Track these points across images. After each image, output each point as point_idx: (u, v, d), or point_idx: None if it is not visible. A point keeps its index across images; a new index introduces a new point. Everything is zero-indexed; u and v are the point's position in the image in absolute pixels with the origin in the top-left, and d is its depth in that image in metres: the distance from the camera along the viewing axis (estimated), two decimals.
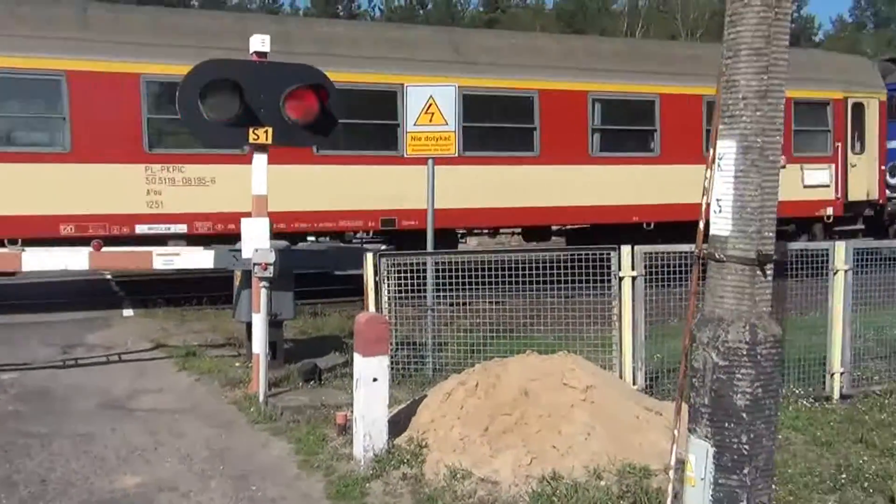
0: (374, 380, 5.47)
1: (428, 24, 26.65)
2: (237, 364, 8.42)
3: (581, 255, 6.84)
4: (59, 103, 10.99)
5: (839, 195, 16.18)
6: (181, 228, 11.34)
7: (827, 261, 6.78)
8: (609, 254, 6.63)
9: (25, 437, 6.19)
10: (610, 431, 5.39)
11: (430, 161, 8.02)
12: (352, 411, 5.71)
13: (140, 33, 11.49)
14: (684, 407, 4.09)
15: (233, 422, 6.63)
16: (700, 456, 3.82)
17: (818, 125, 16.14)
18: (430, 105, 7.73)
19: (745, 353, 3.67)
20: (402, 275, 7.18)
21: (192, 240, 11.10)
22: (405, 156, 8.11)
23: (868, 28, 70.48)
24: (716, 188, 3.78)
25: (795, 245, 6.74)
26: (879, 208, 16.95)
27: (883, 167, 16.88)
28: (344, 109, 7.89)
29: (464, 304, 7.52)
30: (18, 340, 9.81)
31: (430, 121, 7.78)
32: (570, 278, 6.86)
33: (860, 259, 6.95)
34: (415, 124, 7.80)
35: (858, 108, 16.39)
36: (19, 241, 9.93)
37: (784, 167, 12.85)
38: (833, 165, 16.14)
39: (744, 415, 3.70)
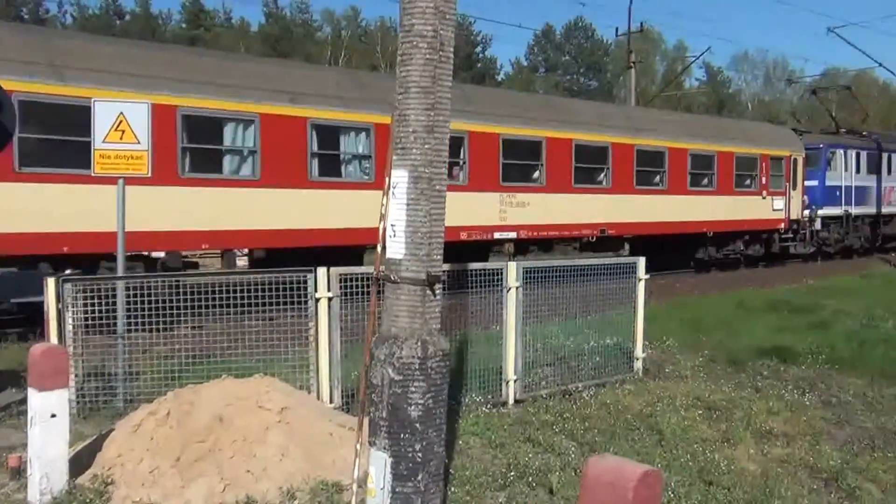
0: (53, 416, 5.06)
1: (126, 38, 24.96)
2: None
3: (280, 277, 6.87)
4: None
5: (787, 216, 24.45)
6: None
7: (501, 279, 7.51)
8: (306, 276, 6.74)
9: None
10: (304, 451, 5.48)
11: (120, 181, 7.57)
12: (27, 452, 5.20)
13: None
14: (366, 421, 4.31)
15: None
16: (379, 467, 4.05)
17: (779, 171, 24.30)
18: (121, 122, 7.31)
19: (417, 367, 3.96)
20: (91, 301, 6.69)
21: None
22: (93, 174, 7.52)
23: (540, 72, 79.25)
24: (390, 214, 4.06)
25: (475, 265, 7.36)
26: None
27: (804, 198, 25.38)
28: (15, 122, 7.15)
29: (161, 329, 7.18)
30: None
31: (121, 138, 7.36)
32: (270, 301, 6.86)
33: (529, 277, 7.78)
34: (104, 141, 7.32)
35: (794, 161, 24.83)
36: None
37: (764, 198, 21.09)
38: (785, 197, 24.37)
39: (417, 425, 3.99)
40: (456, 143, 15.22)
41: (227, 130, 13.10)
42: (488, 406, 7.32)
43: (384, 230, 4.11)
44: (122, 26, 61.26)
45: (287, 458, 5.32)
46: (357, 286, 6.84)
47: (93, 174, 7.50)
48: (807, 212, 25.54)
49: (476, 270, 7.42)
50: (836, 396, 8.78)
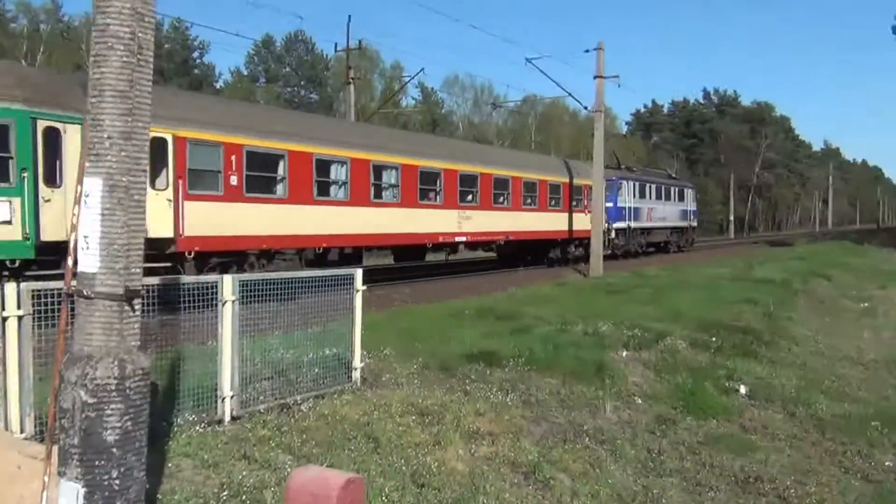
0: None
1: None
2: None
3: None
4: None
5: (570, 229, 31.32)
6: None
7: (216, 293, 7.26)
8: None
9: None
10: None
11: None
12: None
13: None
14: (56, 450, 3.95)
15: None
16: (70, 498, 3.75)
17: (579, 196, 32.09)
18: None
19: (114, 388, 3.72)
20: None
21: None
22: None
23: (261, 82, 78.56)
24: (83, 225, 3.77)
25: (188, 279, 7.05)
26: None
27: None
28: None
29: None
30: None
31: None
32: None
33: (248, 291, 7.62)
34: None
35: (590, 188, 29.86)
36: None
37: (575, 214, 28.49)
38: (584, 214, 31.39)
39: (114, 450, 3.74)
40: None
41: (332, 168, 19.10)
42: (203, 425, 7.03)
43: (75, 242, 3.80)
44: None
45: None
46: (55, 302, 6.24)
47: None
48: (605, 225, 31.25)
49: (190, 284, 7.12)
50: (534, 396, 9.63)
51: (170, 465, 6.05)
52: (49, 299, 6.25)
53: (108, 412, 3.69)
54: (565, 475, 7.99)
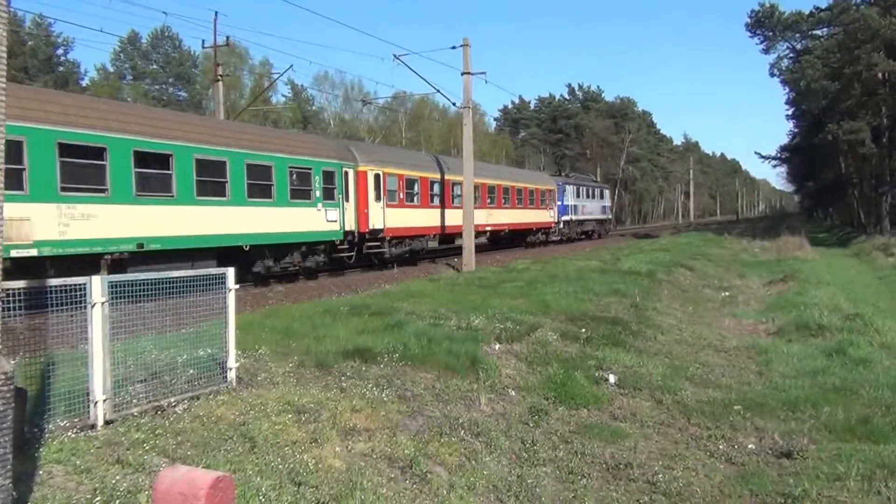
0: None
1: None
2: None
3: None
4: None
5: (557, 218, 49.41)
6: None
7: (85, 294, 7.10)
8: None
9: None
10: None
11: None
12: None
13: None
14: None
15: None
16: None
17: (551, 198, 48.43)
18: None
19: None
20: None
21: None
22: None
23: (127, 79, 75.67)
24: None
25: (55, 281, 6.86)
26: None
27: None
28: None
29: None
30: None
31: None
32: None
33: (118, 292, 7.47)
34: None
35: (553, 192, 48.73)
36: None
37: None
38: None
39: None
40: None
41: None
42: (75, 430, 6.91)
43: None
44: None
45: None
46: None
47: None
48: (556, 218, 48.81)
49: (57, 287, 6.93)
50: (410, 391, 9.85)
51: (41, 472, 5.94)
52: None
53: None
54: (442, 468, 8.25)
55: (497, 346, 12.85)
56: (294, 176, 22.76)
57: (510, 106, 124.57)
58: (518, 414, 10.46)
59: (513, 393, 11.15)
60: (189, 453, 6.79)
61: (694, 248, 42.56)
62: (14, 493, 4.54)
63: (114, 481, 5.94)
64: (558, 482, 8.82)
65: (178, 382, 8.25)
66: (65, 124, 15.88)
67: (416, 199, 30.40)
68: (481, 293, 18.31)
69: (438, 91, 50.26)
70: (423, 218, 30.99)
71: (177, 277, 8.39)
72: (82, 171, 16.18)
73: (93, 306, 7.16)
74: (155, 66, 77.42)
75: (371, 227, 26.81)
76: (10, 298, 6.07)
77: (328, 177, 24.45)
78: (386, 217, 27.79)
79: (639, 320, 17.18)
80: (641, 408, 11.36)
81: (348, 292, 18.40)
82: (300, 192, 23.08)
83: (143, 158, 17.55)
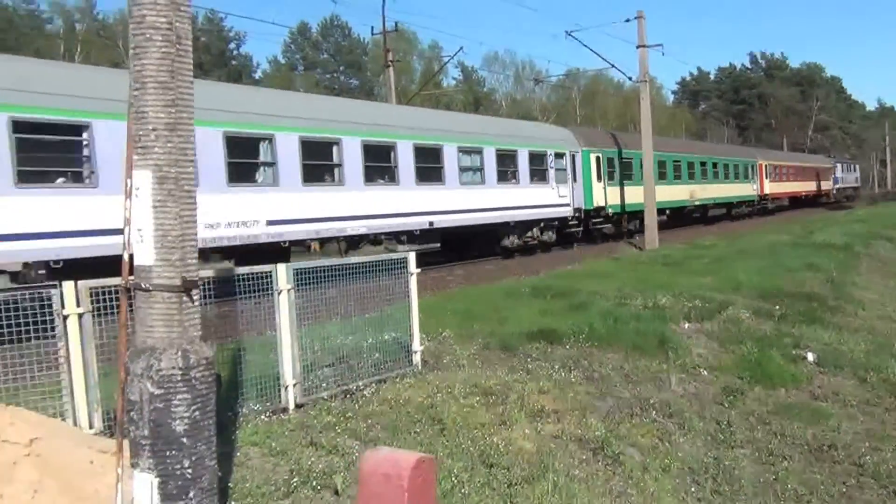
0: None
1: None
2: None
3: (21, 295, 6.17)
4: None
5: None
6: None
7: (272, 282, 7.29)
8: (49, 292, 6.11)
9: None
10: (62, 483, 4.97)
11: None
12: None
13: None
14: (126, 443, 3.99)
15: None
16: (144, 490, 3.78)
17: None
18: None
19: (179, 378, 3.73)
20: None
21: None
22: None
23: (299, 69, 78.74)
24: (135, 218, 3.78)
25: (242, 269, 7.08)
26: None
27: None
28: None
29: None
30: None
31: None
32: (14, 322, 6.13)
33: (302, 279, 7.63)
34: None
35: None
36: None
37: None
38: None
39: (184, 440, 3.76)
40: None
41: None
42: (268, 414, 7.09)
43: (129, 236, 3.82)
44: None
45: (41, 494, 4.79)
46: (111, 298, 6.34)
47: None
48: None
49: (245, 275, 7.15)
50: (597, 371, 9.52)
51: (238, 453, 6.10)
52: (107, 296, 6.35)
53: (176, 402, 3.71)
54: (634, 450, 7.88)
55: (686, 325, 12.30)
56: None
57: (688, 78, 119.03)
58: (711, 394, 9.90)
59: (705, 373, 10.58)
60: (380, 436, 6.78)
61: (893, 218, 38.78)
62: (219, 473, 4.62)
63: (309, 463, 6.00)
64: (757, 464, 8.32)
65: (364, 366, 8.33)
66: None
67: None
68: (666, 271, 17.62)
69: (613, 66, 48.57)
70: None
71: (358, 263, 8.49)
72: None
73: (279, 293, 7.33)
74: (325, 56, 79.81)
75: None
76: (206, 287, 6.27)
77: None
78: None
79: (836, 295, 16.00)
80: (844, 387, 10.61)
81: (527, 274, 18.17)
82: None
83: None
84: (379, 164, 18.40)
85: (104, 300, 6.22)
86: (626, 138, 32.62)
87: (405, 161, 18.90)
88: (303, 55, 79.86)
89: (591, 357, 9.97)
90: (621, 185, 29.83)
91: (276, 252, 15.26)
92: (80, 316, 6.08)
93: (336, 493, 5.71)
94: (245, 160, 15.32)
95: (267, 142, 15.48)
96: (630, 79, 30.84)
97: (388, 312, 8.85)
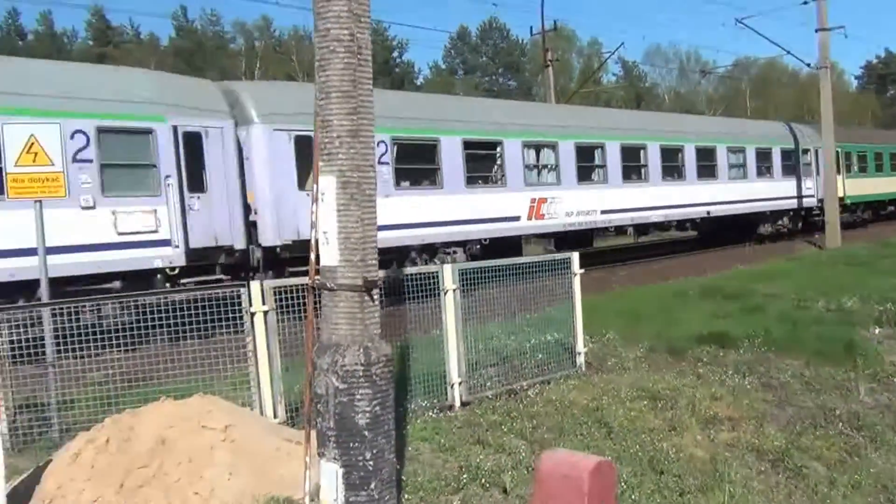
0: None
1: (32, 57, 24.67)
2: None
3: (214, 293, 6.71)
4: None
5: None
6: None
7: (438, 282, 7.47)
8: (239, 290, 6.60)
9: None
10: (253, 468, 5.35)
11: (37, 204, 7.31)
12: None
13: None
14: (313, 433, 4.22)
15: None
16: (330, 478, 3.98)
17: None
18: (32, 144, 7.06)
19: (361, 374, 3.90)
20: (15, 330, 6.41)
21: None
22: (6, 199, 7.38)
23: (459, 74, 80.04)
24: (321, 221, 3.99)
25: (410, 270, 7.32)
26: None
27: None
28: None
29: (94, 355, 6.92)
30: None
31: (34, 161, 7.11)
32: (206, 318, 6.68)
33: (466, 279, 7.77)
34: (16, 165, 7.06)
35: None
36: None
37: None
38: None
39: (366, 433, 3.93)
40: None
41: None
42: (435, 410, 7.27)
43: (316, 238, 4.05)
44: (25, 47, 59.26)
45: (235, 477, 5.18)
46: (291, 298, 6.74)
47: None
48: None
49: (412, 275, 7.38)
50: (775, 378, 8.98)
51: (409, 448, 6.29)
52: (286, 295, 6.78)
53: (359, 397, 3.89)
54: (819, 463, 7.39)
55: (877, 331, 11.33)
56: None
57: (874, 61, 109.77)
58: None
59: None
60: (546, 436, 6.77)
61: None
62: (397, 466, 4.80)
63: (477, 460, 6.08)
64: None
65: (527, 367, 8.36)
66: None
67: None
68: (852, 272, 16.29)
69: (788, 52, 45.81)
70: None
71: (521, 263, 8.53)
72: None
73: (445, 293, 7.49)
74: (484, 59, 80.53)
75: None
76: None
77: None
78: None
79: None
80: None
81: (695, 273, 17.50)
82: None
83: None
84: (671, 163, 22.62)
85: (285, 298, 6.65)
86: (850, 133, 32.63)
87: (690, 160, 23.06)
88: (462, 59, 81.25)
89: (768, 363, 9.44)
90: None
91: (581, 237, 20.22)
92: (266, 313, 6.52)
93: (504, 491, 5.77)
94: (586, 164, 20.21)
95: (599, 149, 20.37)
96: (808, 65, 28.82)
97: (551, 313, 8.82)
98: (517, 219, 18.06)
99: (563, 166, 19.13)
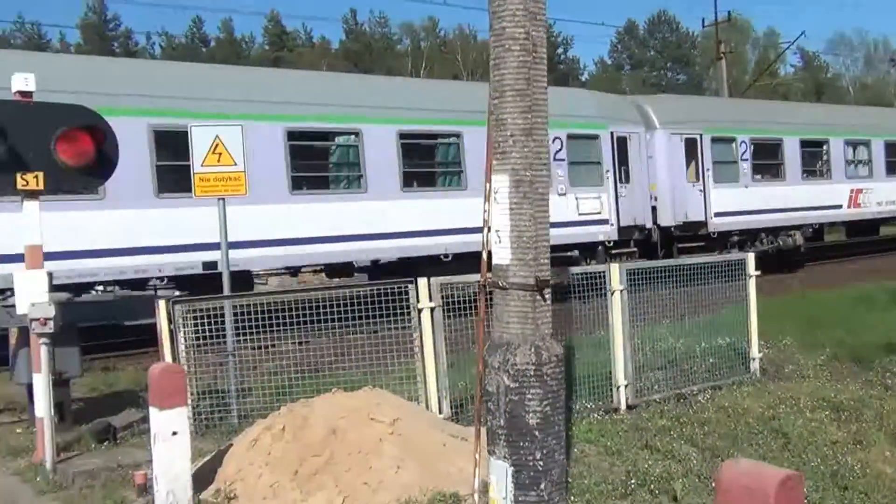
0: (174, 433, 5.17)
1: (212, 63, 26.55)
2: (19, 431, 7.67)
3: (381, 289, 6.93)
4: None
5: None
6: None
7: (605, 282, 7.34)
8: (407, 287, 6.77)
9: None
10: (419, 462, 5.46)
11: (220, 202, 7.83)
12: (151, 469, 5.37)
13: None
14: (483, 431, 4.25)
15: (17, 495, 5.98)
16: (500, 476, 3.99)
17: None
18: (217, 145, 7.57)
19: (532, 373, 3.88)
20: (200, 321, 6.90)
21: None
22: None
23: (625, 69, 78.27)
24: (494, 220, 4.01)
25: (576, 269, 7.23)
26: None
27: None
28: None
29: (267, 346, 7.34)
30: None
31: (219, 161, 7.62)
32: (372, 313, 6.92)
33: (633, 279, 7.59)
34: (202, 165, 7.59)
35: None
36: None
37: None
38: None
39: (536, 433, 3.91)
40: None
41: None
42: (600, 412, 7.15)
43: (488, 236, 4.07)
44: (207, 52, 63.84)
45: (402, 470, 5.30)
46: (457, 295, 6.85)
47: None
48: None
49: (577, 274, 7.29)
50: None
51: (574, 450, 6.21)
52: (452, 292, 6.89)
53: (529, 396, 3.87)
54: None
55: None
56: None
57: None
58: None
59: None
60: (718, 444, 6.48)
61: None
62: (567, 468, 4.76)
63: (646, 466, 5.90)
64: None
65: (697, 371, 8.05)
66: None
67: None
68: None
69: None
70: None
71: (692, 265, 8.23)
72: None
73: (612, 293, 7.35)
74: (652, 53, 79.05)
75: None
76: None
77: None
78: None
79: None
80: None
81: (880, 277, 16.20)
82: None
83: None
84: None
85: (451, 296, 6.77)
86: None
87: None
88: (629, 54, 79.71)
89: None
90: None
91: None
92: (432, 310, 6.66)
93: (675, 499, 5.56)
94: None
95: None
96: None
97: (723, 316, 8.44)
98: (839, 207, 21.89)
99: (875, 161, 22.70)
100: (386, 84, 19.11)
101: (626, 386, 7.42)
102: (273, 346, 7.32)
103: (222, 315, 7.16)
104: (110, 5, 66.82)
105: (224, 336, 7.19)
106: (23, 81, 6.47)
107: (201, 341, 6.87)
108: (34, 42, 60.32)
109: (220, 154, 7.54)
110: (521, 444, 3.89)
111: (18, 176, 6.35)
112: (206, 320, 6.83)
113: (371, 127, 13.91)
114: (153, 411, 5.24)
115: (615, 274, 7.31)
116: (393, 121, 14.25)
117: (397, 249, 14.30)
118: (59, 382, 7.08)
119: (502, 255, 3.97)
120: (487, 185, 4.04)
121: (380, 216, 13.78)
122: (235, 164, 7.63)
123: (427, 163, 15.44)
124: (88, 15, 66.13)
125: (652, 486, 5.61)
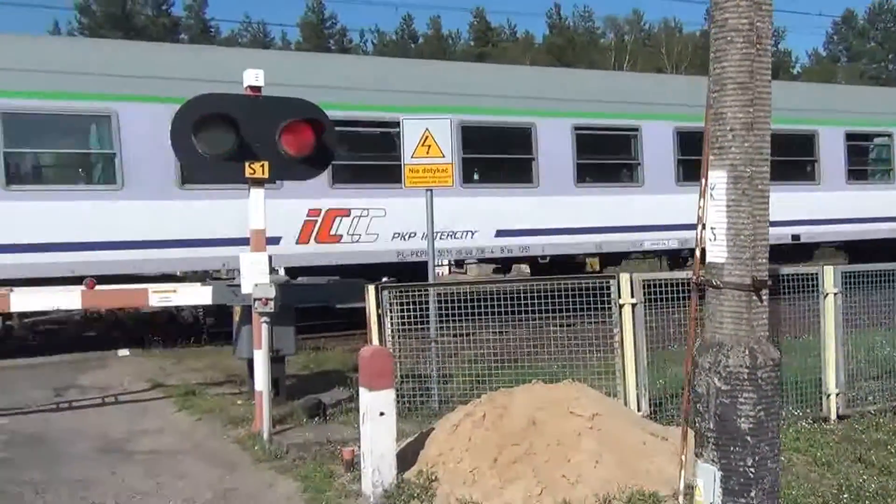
0: (381, 414, 5.43)
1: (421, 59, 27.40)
2: (239, 402, 8.37)
3: (581, 283, 6.93)
4: None
5: None
6: None
7: (816, 284, 6.92)
8: (609, 282, 6.74)
9: (18, 484, 5.95)
10: (618, 458, 5.43)
11: (428, 193, 8.14)
12: (359, 446, 5.68)
13: None
14: (690, 432, 4.17)
15: (237, 461, 6.57)
16: (708, 480, 3.89)
17: None
18: (427, 138, 7.87)
19: (745, 377, 3.76)
20: (405, 307, 7.21)
21: None
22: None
23: (842, 62, 72.76)
24: (709, 217, 3.90)
25: (787, 269, 6.86)
26: None
27: None
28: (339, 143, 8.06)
29: (467, 334, 7.56)
30: (6, 384, 9.54)
31: (428, 153, 7.92)
32: (570, 307, 6.94)
33: (848, 282, 7.09)
34: (412, 157, 7.93)
35: None
36: None
37: None
38: None
39: (748, 438, 3.78)
40: None
41: None
42: (808, 421, 6.77)
43: (702, 234, 3.97)
44: (416, 49, 66.25)
45: (601, 465, 5.30)
46: (658, 292, 6.73)
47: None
48: None
49: (787, 275, 6.92)
50: None
51: (781, 458, 5.92)
52: (653, 289, 6.76)
53: (741, 400, 3.74)
54: None
55: None
56: None
57: None
58: None
59: None
60: None
61: None
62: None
63: (859, 481, 5.54)
64: None
65: None
66: None
67: None
68: None
69: None
70: None
71: None
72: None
73: (825, 297, 6.93)
74: (872, 44, 73.86)
75: None
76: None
77: None
78: None
79: None
80: None
81: None
82: None
83: None
84: None
85: (652, 292, 6.66)
86: None
87: None
88: (846, 45, 74.31)
89: None
90: None
91: None
92: (633, 306, 6.58)
93: None
94: None
95: None
96: None
97: None
98: None
99: None
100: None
101: (837, 394, 6.98)
102: (473, 334, 7.52)
103: (425, 302, 7.45)
104: (328, 4, 71.22)
105: (427, 322, 7.47)
106: (253, 77, 7.05)
107: (406, 326, 7.19)
108: (259, 40, 65.40)
109: (430, 146, 7.83)
110: (732, 448, 3.77)
111: (247, 165, 6.94)
112: (410, 306, 7.13)
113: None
114: (363, 392, 5.54)
115: (829, 276, 6.87)
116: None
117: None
118: (276, 359, 7.68)
119: (717, 253, 3.86)
120: (703, 180, 3.94)
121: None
122: (444, 156, 7.90)
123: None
124: (308, 14, 70.62)
125: (867, 502, 5.25)
